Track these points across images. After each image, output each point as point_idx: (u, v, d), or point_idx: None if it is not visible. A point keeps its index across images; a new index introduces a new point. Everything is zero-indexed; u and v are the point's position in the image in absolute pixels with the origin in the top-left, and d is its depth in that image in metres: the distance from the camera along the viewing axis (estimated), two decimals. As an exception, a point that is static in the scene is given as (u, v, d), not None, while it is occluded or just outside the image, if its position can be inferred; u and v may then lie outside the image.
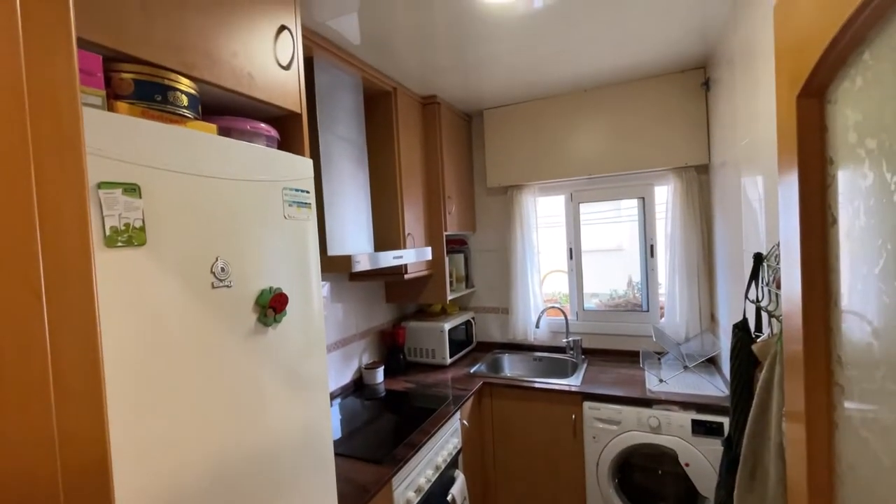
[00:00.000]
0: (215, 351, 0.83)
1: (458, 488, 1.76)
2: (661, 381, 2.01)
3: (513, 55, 1.89)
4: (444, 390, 2.06)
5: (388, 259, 1.71)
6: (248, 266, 0.91)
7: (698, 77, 2.14)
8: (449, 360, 2.42)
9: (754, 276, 1.13)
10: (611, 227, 2.77)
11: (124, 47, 0.80)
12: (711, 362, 2.14)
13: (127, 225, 0.69)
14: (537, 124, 2.50)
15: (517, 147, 2.56)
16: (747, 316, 1.16)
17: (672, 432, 1.79)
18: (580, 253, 2.60)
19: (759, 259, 1.13)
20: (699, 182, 2.24)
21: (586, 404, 1.96)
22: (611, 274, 2.74)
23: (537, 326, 2.56)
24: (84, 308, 0.41)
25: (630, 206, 2.60)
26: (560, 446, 2.04)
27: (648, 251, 2.46)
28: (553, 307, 2.60)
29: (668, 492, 1.97)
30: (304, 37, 1.42)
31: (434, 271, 2.37)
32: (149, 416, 0.72)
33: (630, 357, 2.43)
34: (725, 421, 1.70)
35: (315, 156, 1.54)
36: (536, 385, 2.09)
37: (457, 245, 2.81)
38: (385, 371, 2.26)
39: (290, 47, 1.21)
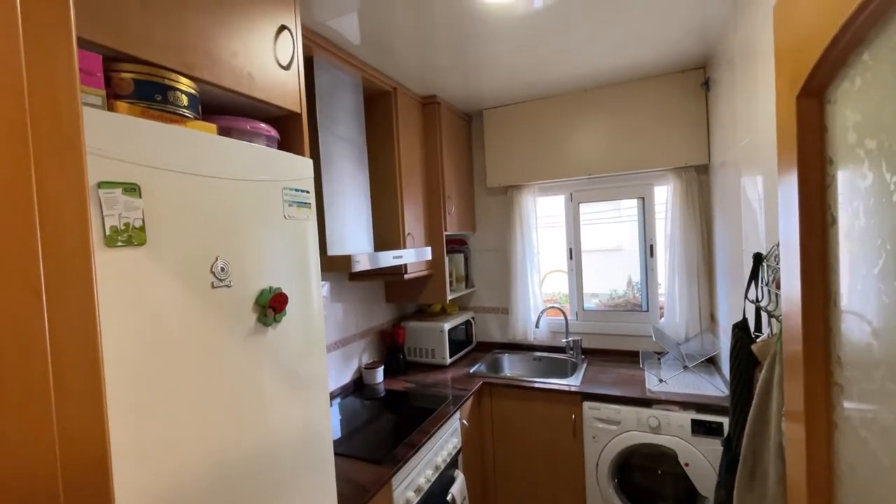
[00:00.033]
0: (215, 351, 0.83)
1: (457, 488, 1.76)
2: (660, 381, 2.01)
3: (513, 55, 1.89)
4: (443, 390, 2.06)
5: (388, 259, 1.71)
6: (248, 266, 0.91)
7: (698, 77, 2.14)
8: (449, 360, 2.42)
9: (754, 276, 1.13)
10: (610, 227, 2.77)
11: (124, 47, 0.80)
12: (711, 362, 2.15)
13: (127, 224, 0.69)
14: (537, 124, 2.50)
15: (517, 147, 2.56)
16: (747, 316, 1.16)
17: (672, 432, 1.79)
18: (580, 253, 2.60)
19: (758, 259, 1.13)
20: (699, 182, 2.24)
21: (586, 404, 1.96)
22: (610, 274, 2.74)
23: (537, 326, 2.56)
24: (84, 308, 0.41)
25: (630, 206, 2.60)
26: (560, 446, 2.04)
27: (648, 251, 2.46)
28: (553, 307, 2.60)
29: (668, 492, 1.98)
30: (304, 37, 1.42)
31: (434, 271, 2.37)
32: (149, 416, 0.72)
33: (630, 357, 2.43)
34: (725, 421, 1.70)
35: (315, 156, 1.54)
36: (536, 385, 2.09)
37: (457, 245, 2.81)
38: (385, 371, 2.26)
39: (290, 47, 1.21)
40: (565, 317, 2.55)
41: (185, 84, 0.90)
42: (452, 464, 1.81)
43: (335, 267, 1.49)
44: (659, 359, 2.30)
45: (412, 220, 2.18)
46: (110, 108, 0.78)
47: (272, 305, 0.95)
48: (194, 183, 0.81)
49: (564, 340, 2.52)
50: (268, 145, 1.09)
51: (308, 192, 1.08)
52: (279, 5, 1.18)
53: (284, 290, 0.99)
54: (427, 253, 2.06)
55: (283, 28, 1.18)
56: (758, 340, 1.06)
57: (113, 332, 0.66)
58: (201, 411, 0.80)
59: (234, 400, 0.87)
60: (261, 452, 0.92)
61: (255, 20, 1.10)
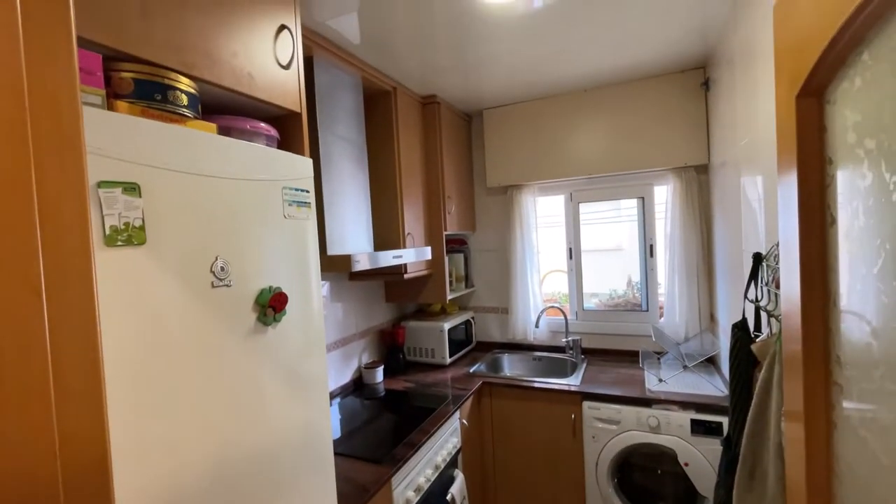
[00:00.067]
0: (215, 350, 0.83)
1: (457, 488, 1.76)
2: (660, 380, 2.01)
3: (513, 55, 1.89)
4: (443, 390, 2.06)
5: (388, 258, 1.71)
6: (248, 265, 0.91)
7: (698, 77, 2.14)
8: (448, 360, 2.42)
9: (753, 275, 1.13)
10: (610, 226, 2.77)
11: (124, 46, 0.80)
12: (711, 362, 2.15)
13: (127, 224, 0.69)
14: (537, 124, 2.50)
15: (517, 147, 2.56)
16: (746, 316, 1.16)
17: (671, 432, 1.79)
18: (580, 253, 2.60)
19: (758, 259, 1.13)
20: (699, 182, 2.24)
21: (586, 404, 1.97)
22: (610, 274, 2.74)
23: (537, 326, 2.56)
24: (84, 307, 0.41)
25: (630, 205, 2.60)
26: (559, 446, 2.04)
27: (648, 251, 2.46)
28: (553, 307, 2.60)
29: (668, 491, 1.98)
30: (303, 36, 1.42)
31: (434, 271, 2.37)
32: (149, 416, 0.72)
33: (629, 357, 2.43)
34: (724, 420, 1.70)
35: (315, 155, 1.54)
36: (536, 385, 2.09)
37: (456, 245, 2.81)
38: (385, 370, 2.27)
39: (290, 47, 1.21)
40: (565, 316, 2.55)
41: (184, 83, 0.90)
42: (452, 463, 1.81)
43: (335, 266, 1.49)
44: (659, 358, 2.30)
45: (412, 219, 2.18)
46: (110, 108, 0.78)
47: (272, 305, 0.95)
48: (194, 182, 0.81)
49: (564, 340, 2.52)
50: (268, 145, 1.09)
51: (308, 191, 1.08)
52: (279, 5, 1.18)
53: (284, 290, 0.99)
54: (427, 253, 2.06)
55: (282, 28, 1.18)
56: (757, 340, 1.06)
57: (113, 332, 0.66)
58: (201, 411, 0.80)
59: (233, 399, 0.87)
60: (261, 452, 0.92)
61: (255, 20, 1.10)
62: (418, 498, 1.51)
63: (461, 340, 2.60)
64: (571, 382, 2.08)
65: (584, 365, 2.34)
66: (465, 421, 1.99)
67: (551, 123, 2.46)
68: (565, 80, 2.22)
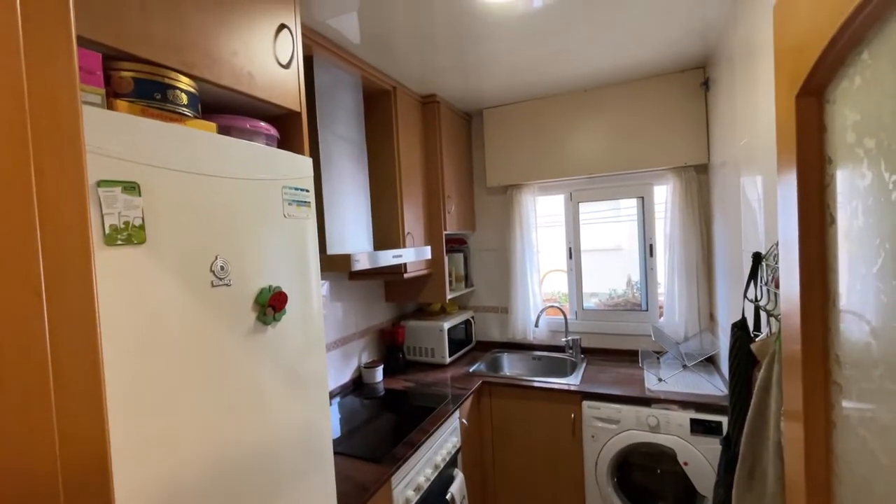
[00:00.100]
0: (215, 349, 0.83)
1: (457, 487, 1.76)
2: (660, 380, 2.01)
3: (513, 55, 1.89)
4: (443, 389, 2.06)
5: (388, 258, 1.71)
6: (248, 265, 0.91)
7: (698, 77, 2.14)
8: (448, 359, 2.42)
9: (753, 275, 1.13)
10: (610, 226, 2.77)
11: (124, 46, 0.80)
12: (710, 361, 2.15)
13: (126, 223, 0.69)
14: (537, 124, 2.50)
15: (517, 146, 2.56)
16: (746, 315, 1.16)
17: (671, 431, 1.79)
18: (579, 252, 2.60)
19: (757, 258, 1.13)
20: (698, 182, 2.24)
21: (585, 403, 1.97)
22: (610, 273, 2.74)
23: (536, 326, 2.56)
24: (84, 307, 0.41)
25: (629, 205, 2.60)
26: (559, 445, 2.04)
27: (647, 251, 2.46)
28: (552, 306, 2.60)
29: (667, 491, 1.98)
30: (303, 36, 1.42)
31: (433, 270, 2.37)
32: (148, 415, 0.72)
33: (629, 356, 2.43)
34: (724, 420, 1.70)
35: (315, 155, 1.54)
36: (536, 384, 2.09)
37: (456, 244, 2.81)
38: (384, 370, 2.27)
39: (290, 46, 1.21)
40: (565, 316, 2.55)
41: (184, 83, 0.90)
42: (452, 463, 1.81)
43: (335, 266, 1.49)
44: (658, 358, 2.31)
45: (412, 219, 2.18)
46: (110, 107, 0.78)
47: (272, 304, 0.95)
48: (194, 181, 0.81)
49: (564, 340, 2.53)
50: (267, 144, 1.09)
51: (308, 190, 1.08)
52: (279, 4, 1.18)
53: (284, 289, 0.99)
54: (427, 252, 2.06)
55: (282, 27, 1.18)
56: (757, 340, 1.06)
57: (113, 332, 0.66)
58: (201, 410, 0.80)
59: (233, 399, 0.87)
60: (260, 451, 0.92)
61: (255, 19, 1.10)
62: (418, 497, 1.51)
63: (461, 340, 2.60)
64: (571, 382, 2.08)
65: (584, 364, 2.34)
66: (464, 420, 1.99)
67: (551, 123, 2.46)
68: (565, 79, 2.22)
